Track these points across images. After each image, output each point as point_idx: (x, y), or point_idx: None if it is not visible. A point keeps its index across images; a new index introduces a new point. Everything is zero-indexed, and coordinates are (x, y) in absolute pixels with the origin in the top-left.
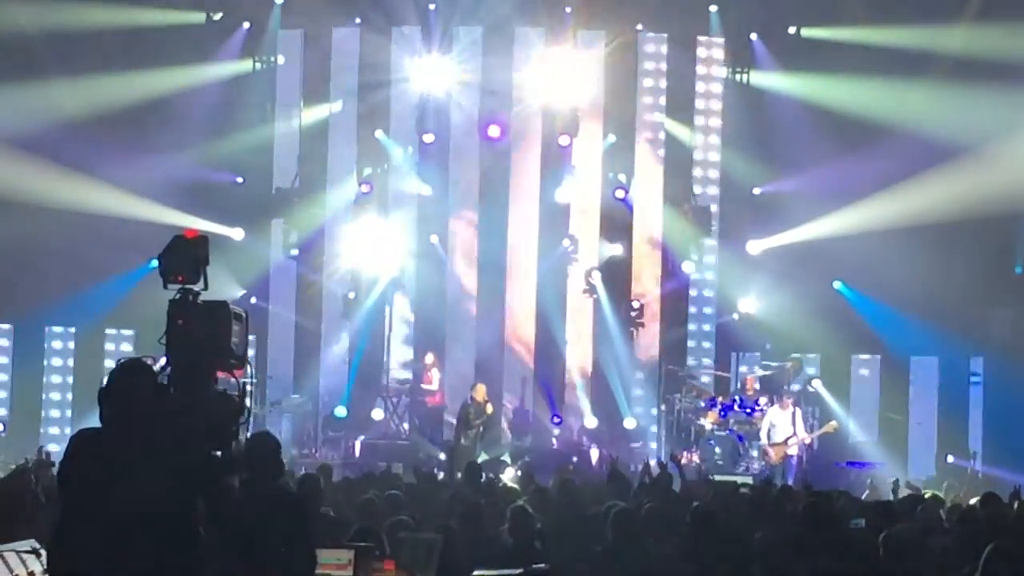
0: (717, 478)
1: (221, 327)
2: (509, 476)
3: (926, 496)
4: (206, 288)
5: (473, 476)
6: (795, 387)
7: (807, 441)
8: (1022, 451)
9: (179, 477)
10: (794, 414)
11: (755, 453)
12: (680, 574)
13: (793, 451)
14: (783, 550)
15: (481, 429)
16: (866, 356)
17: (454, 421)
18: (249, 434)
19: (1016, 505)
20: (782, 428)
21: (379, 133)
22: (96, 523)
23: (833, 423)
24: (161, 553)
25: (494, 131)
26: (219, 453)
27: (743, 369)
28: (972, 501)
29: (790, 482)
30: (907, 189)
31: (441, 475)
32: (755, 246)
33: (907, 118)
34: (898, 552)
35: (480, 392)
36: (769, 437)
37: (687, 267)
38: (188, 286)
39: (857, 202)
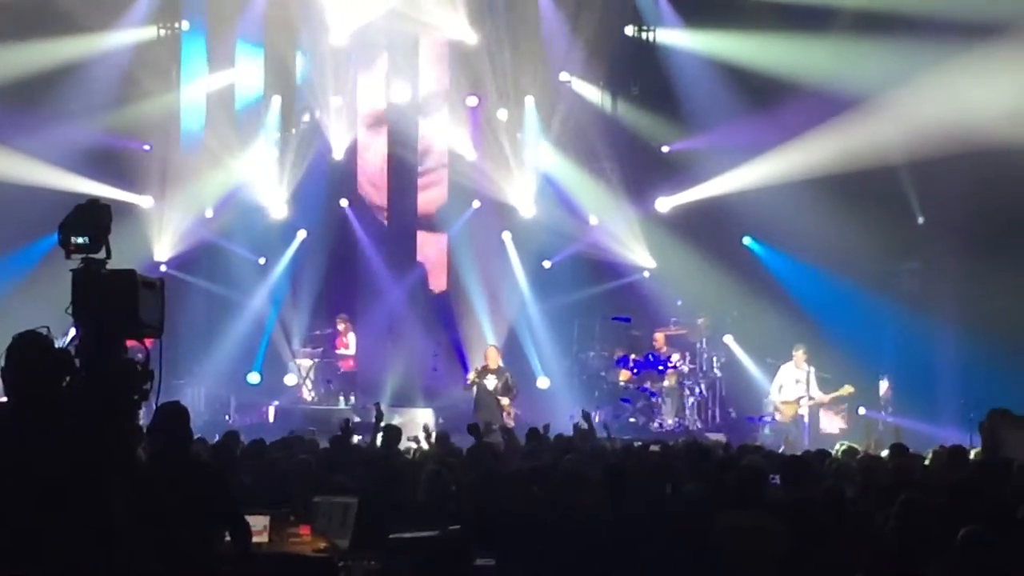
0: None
1: (128, 295)
2: (424, 438)
3: (841, 448)
4: (109, 257)
5: (391, 440)
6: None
7: (824, 402)
8: (932, 402)
9: (83, 452)
10: (808, 374)
11: (667, 408)
12: (596, 527)
13: (804, 411)
14: (698, 505)
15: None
16: (778, 312)
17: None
18: (158, 402)
19: (931, 456)
20: (793, 386)
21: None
22: None
23: (848, 387)
24: (69, 540)
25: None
26: (127, 423)
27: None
28: (883, 453)
29: (805, 442)
30: (810, 142)
31: (356, 439)
32: (664, 203)
33: (810, 73)
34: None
35: (492, 357)
36: (779, 394)
37: (596, 224)
38: (91, 255)
39: (763, 156)
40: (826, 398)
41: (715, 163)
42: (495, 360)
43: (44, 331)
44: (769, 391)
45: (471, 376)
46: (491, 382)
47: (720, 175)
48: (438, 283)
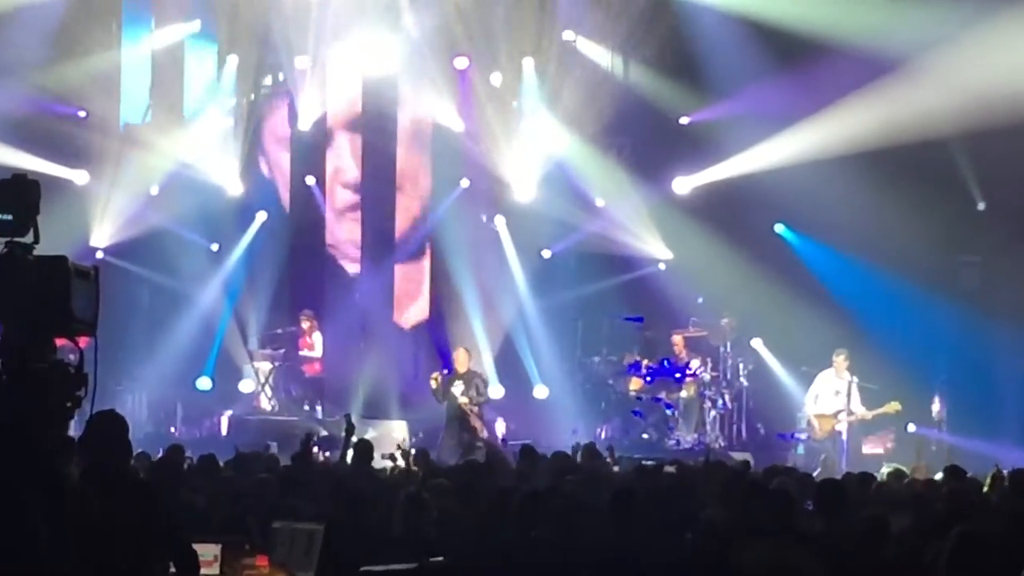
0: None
1: (59, 286)
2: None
3: (888, 471)
4: (37, 241)
5: (363, 457)
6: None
7: (868, 419)
8: (993, 419)
9: (2, 469)
10: (850, 384)
11: (685, 423)
12: (597, 564)
13: (843, 427)
14: (719, 535)
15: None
16: (815, 311)
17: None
18: (93, 411)
19: (991, 481)
20: (831, 398)
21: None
22: None
23: (895, 404)
24: None
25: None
26: (54, 435)
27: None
28: (937, 476)
29: (843, 465)
30: (849, 111)
31: (323, 456)
32: (683, 184)
33: (848, 30)
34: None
35: (462, 359)
36: (815, 406)
37: (604, 208)
38: (16, 239)
39: (796, 127)
40: (869, 414)
41: (741, 136)
42: (464, 364)
43: None
44: (803, 403)
45: (432, 384)
46: (458, 389)
47: (747, 150)
48: (419, 275)
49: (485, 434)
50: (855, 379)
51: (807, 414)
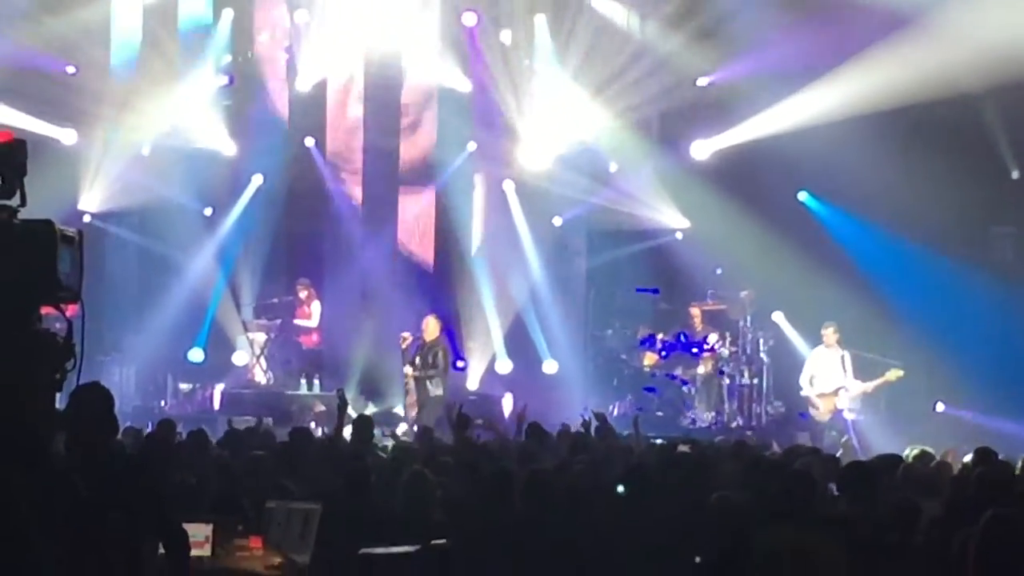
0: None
1: (45, 252)
2: (403, 432)
3: (912, 453)
4: (23, 204)
5: (363, 433)
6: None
7: (868, 391)
8: None
9: None
10: (843, 357)
11: (702, 400)
12: (607, 548)
13: (844, 404)
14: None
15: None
16: (839, 284)
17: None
18: (79, 383)
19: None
20: (828, 374)
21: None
22: None
23: (895, 370)
24: None
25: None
26: (39, 407)
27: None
28: (966, 459)
29: (855, 442)
30: (874, 65)
31: (320, 432)
32: (701, 149)
33: None
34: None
35: (431, 327)
36: (812, 387)
37: (619, 173)
38: (2, 202)
39: (818, 83)
40: (869, 386)
41: (761, 96)
42: (433, 332)
43: None
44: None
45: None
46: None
47: (767, 109)
48: (424, 242)
49: (414, 412)
50: (846, 352)
51: (807, 395)
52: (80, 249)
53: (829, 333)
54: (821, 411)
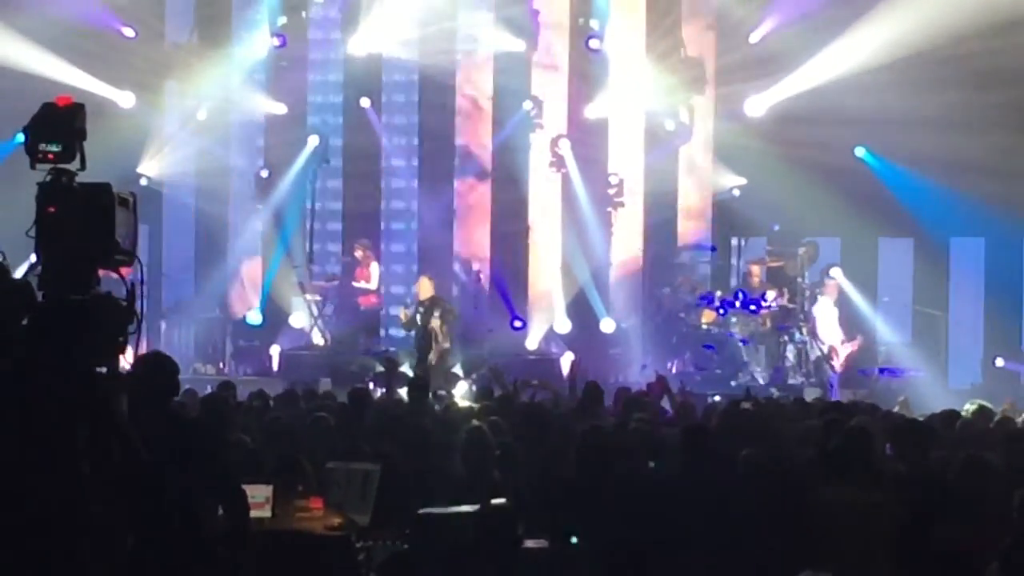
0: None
1: (103, 215)
2: (462, 392)
3: (971, 408)
4: (83, 168)
5: (419, 393)
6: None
7: (854, 348)
8: None
9: (53, 402)
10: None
11: (760, 358)
12: (671, 501)
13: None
14: (800, 476)
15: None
16: (897, 239)
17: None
18: (138, 346)
19: None
20: (838, 326)
21: None
22: None
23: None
24: (33, 501)
25: None
26: (103, 370)
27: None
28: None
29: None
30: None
31: (379, 393)
32: (756, 105)
33: None
34: None
35: (424, 288)
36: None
37: (675, 130)
38: (61, 166)
39: (867, 19)
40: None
41: (812, 43)
42: (428, 291)
43: None
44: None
45: (402, 315)
46: (436, 322)
47: (817, 55)
48: (481, 202)
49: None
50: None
51: (828, 345)
52: (135, 212)
53: (832, 284)
54: (843, 361)
